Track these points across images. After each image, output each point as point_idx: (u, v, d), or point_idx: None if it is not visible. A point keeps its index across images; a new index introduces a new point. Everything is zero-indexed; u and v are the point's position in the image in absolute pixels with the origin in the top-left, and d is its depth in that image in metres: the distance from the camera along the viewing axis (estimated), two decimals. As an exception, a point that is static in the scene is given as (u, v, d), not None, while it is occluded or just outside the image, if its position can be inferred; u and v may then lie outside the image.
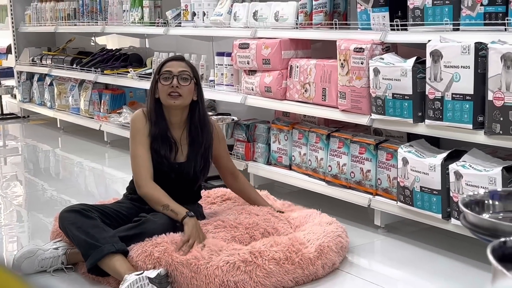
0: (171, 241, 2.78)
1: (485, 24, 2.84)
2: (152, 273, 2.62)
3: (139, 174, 2.99)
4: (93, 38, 7.14)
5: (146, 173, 2.98)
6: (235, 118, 4.42)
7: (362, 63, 3.31)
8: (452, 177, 2.91)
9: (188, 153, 3.07)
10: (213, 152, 3.17)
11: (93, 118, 6.18)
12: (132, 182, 3.19)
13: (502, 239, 1.19)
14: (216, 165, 3.28)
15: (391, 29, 3.26)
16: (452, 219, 2.96)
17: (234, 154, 4.31)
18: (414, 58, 3.10)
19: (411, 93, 3.08)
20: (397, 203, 3.24)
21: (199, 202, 3.30)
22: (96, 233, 2.79)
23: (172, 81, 2.99)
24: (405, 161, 3.12)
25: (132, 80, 5.46)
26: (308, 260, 2.77)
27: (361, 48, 3.31)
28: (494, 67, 2.69)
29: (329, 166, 3.65)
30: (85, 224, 2.83)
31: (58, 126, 6.86)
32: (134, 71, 5.50)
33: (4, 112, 7.95)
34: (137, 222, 2.89)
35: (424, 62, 3.03)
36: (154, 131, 3.02)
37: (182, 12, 4.79)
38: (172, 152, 3.04)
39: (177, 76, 3.00)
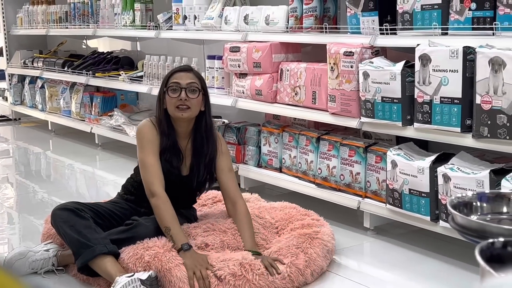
0: (163, 246, 2.76)
1: (473, 29, 2.86)
2: (143, 275, 2.61)
3: (153, 184, 2.89)
4: (84, 41, 7.13)
5: (159, 183, 2.90)
6: (226, 121, 4.42)
7: (351, 67, 3.32)
8: (440, 180, 2.92)
9: (191, 164, 3.01)
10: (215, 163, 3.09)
11: (84, 120, 6.15)
12: (128, 181, 3.16)
13: (490, 240, 1.19)
14: (218, 179, 3.10)
15: (381, 33, 3.27)
16: (441, 221, 2.97)
17: (224, 157, 4.30)
18: (403, 62, 3.11)
19: (400, 96, 3.09)
20: (386, 205, 3.25)
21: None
22: (88, 233, 2.78)
23: (180, 94, 2.91)
24: (394, 164, 3.13)
25: (124, 83, 5.45)
26: (298, 271, 2.75)
27: (350, 52, 3.32)
28: (482, 71, 2.71)
29: (319, 168, 3.65)
30: (78, 223, 2.82)
31: (49, 128, 6.83)
32: (125, 74, 5.49)
33: (-5, 114, 7.93)
34: (129, 225, 2.88)
35: (413, 66, 3.04)
36: (165, 142, 2.96)
37: (173, 15, 4.79)
38: (179, 162, 3.00)
39: (186, 89, 2.92)
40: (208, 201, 3.55)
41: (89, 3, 5.99)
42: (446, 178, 2.89)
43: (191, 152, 3.02)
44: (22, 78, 7.50)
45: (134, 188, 3.11)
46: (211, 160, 3.02)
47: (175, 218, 2.83)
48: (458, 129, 2.86)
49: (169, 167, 2.96)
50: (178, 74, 2.98)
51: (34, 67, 7.04)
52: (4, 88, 7.97)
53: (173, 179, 2.97)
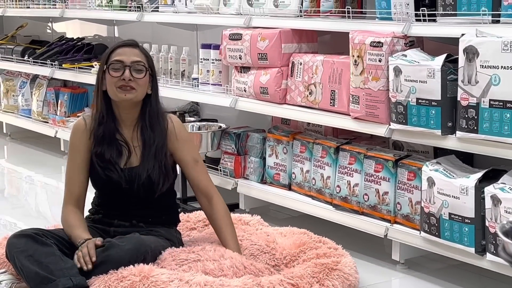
0: (140, 273, 2.77)
1: (532, 16, 2.87)
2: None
3: (63, 202, 3.12)
4: (49, 24, 7.14)
5: (68, 197, 3.12)
6: (223, 126, 4.42)
7: (380, 61, 3.33)
8: (488, 203, 2.92)
9: (141, 156, 3.10)
10: (174, 155, 3.18)
11: (47, 122, 6.16)
12: (94, 198, 3.21)
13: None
14: (185, 176, 3.27)
15: (417, 20, 3.27)
16: (488, 254, 2.96)
17: (221, 170, 4.31)
18: (444, 55, 3.11)
19: (439, 98, 3.09)
20: (420, 233, 3.24)
21: (178, 228, 3.30)
22: (50, 263, 2.78)
23: (124, 73, 3.04)
24: (431, 182, 3.13)
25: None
26: None
27: (379, 42, 3.33)
28: (542, 68, 2.71)
29: (338, 186, 3.65)
30: (38, 252, 2.82)
31: (4, 131, 6.83)
32: (99, 65, 5.49)
33: None
34: (100, 248, 2.89)
35: (456, 60, 3.04)
36: (98, 132, 3.09)
37: (160, -6, 4.80)
38: (121, 156, 3.08)
39: (130, 67, 3.05)
40: (198, 224, 3.55)
41: (57, -22, 6.01)
42: (496, 200, 2.88)
43: (140, 142, 3.12)
44: (-29, 69, 7.51)
45: (97, 204, 3.20)
46: (159, 150, 3.12)
47: (74, 224, 3.02)
48: None
49: (102, 163, 3.06)
50: (121, 50, 3.11)
51: (-14, 55, 7.05)
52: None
53: (115, 178, 3.05)
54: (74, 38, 6.41)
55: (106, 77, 3.08)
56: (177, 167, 3.24)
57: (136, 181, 3.07)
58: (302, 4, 3.84)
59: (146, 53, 3.16)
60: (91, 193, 3.21)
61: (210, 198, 3.16)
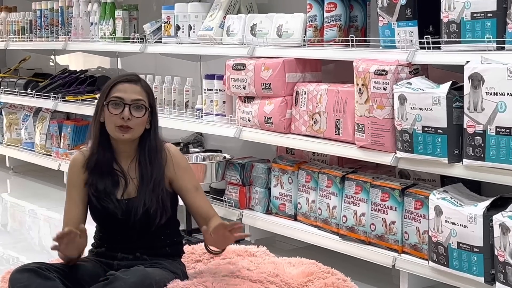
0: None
1: (537, 42, 2.88)
2: None
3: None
4: (52, 56, 7.18)
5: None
6: (228, 156, 4.42)
7: (384, 89, 3.33)
8: (497, 231, 2.90)
9: (138, 188, 3.10)
10: (174, 184, 3.16)
11: (50, 155, 6.17)
12: (95, 231, 3.20)
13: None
14: (185, 203, 3.21)
15: (421, 48, 3.29)
16: (498, 283, 2.93)
17: (225, 201, 4.30)
18: (449, 83, 3.12)
19: (445, 126, 3.09)
20: (428, 263, 3.22)
21: (183, 260, 3.29)
22: (53, 299, 2.77)
23: (123, 111, 3.02)
24: (439, 211, 3.12)
25: (100, 109, 5.47)
26: None
27: (383, 71, 3.33)
28: (548, 94, 2.72)
29: (344, 216, 3.64)
30: (41, 287, 2.81)
31: (7, 165, 6.84)
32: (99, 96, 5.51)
33: None
34: (104, 281, 2.88)
35: (461, 88, 3.04)
36: (93, 162, 3.08)
37: (163, 25, 4.83)
38: (118, 186, 3.07)
39: (130, 105, 3.03)
40: (204, 256, 3.53)
41: (59, 11, 6.04)
42: (504, 228, 2.87)
43: (137, 174, 3.11)
44: (-26, 103, 7.54)
45: (98, 238, 3.18)
46: (156, 185, 3.09)
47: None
48: (519, 167, 2.86)
49: (97, 195, 3.05)
50: (122, 86, 3.07)
51: (-11, 88, 7.07)
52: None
53: (111, 209, 3.04)
54: (77, 70, 6.44)
55: (104, 111, 3.07)
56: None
57: (133, 213, 3.06)
58: (305, 34, 3.86)
59: (148, 89, 3.11)
60: (93, 226, 3.21)
61: (209, 219, 3.12)
